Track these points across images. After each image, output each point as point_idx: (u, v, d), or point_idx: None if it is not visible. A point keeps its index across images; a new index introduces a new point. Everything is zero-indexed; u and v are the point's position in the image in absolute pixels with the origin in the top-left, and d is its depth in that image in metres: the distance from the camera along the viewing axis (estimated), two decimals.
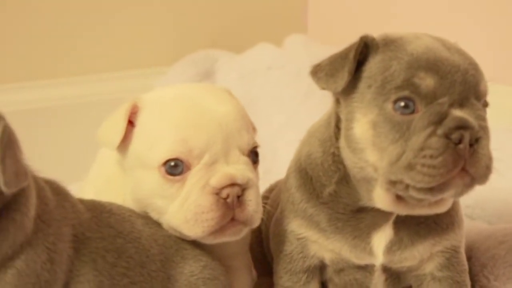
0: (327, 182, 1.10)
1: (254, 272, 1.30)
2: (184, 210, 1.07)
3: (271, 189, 1.35)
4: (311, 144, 1.14)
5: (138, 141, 1.11)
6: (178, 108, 1.10)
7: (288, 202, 1.14)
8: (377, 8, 2.39)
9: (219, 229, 1.07)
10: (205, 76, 2.13)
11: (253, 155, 1.13)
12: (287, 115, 2.02)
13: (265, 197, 1.26)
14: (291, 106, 2.03)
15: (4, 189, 0.87)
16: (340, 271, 1.14)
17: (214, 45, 2.28)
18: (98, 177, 1.23)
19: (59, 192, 1.04)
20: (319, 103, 2.05)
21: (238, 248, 1.20)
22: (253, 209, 1.09)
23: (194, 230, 1.07)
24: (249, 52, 2.15)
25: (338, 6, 2.50)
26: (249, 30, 2.43)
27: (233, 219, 1.07)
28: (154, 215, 1.12)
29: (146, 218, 1.13)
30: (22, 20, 2.05)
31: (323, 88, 1.07)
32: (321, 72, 1.07)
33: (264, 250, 1.30)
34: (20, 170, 0.90)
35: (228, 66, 2.13)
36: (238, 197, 1.07)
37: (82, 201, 1.08)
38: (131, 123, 1.12)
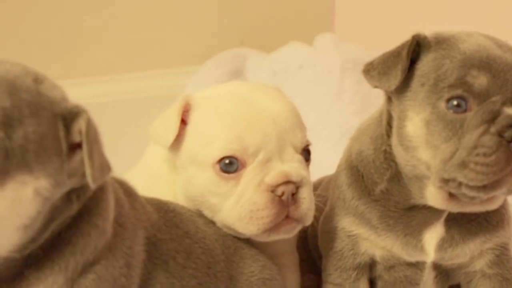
0: (378, 179, 1.11)
1: None
2: (239, 207, 1.07)
3: (315, 187, 1.35)
4: (362, 142, 1.14)
5: (191, 139, 1.11)
6: (231, 105, 1.10)
7: (339, 200, 1.15)
8: (403, 7, 2.40)
9: (274, 227, 1.07)
10: (235, 74, 2.13)
11: (306, 153, 1.14)
12: (319, 114, 2.02)
13: (318, 195, 1.26)
14: (323, 104, 2.04)
15: (91, 184, 0.85)
16: (390, 268, 1.14)
17: (243, 44, 2.29)
18: (146, 175, 1.22)
19: (130, 193, 1.02)
20: (350, 101, 2.06)
21: (286, 247, 1.21)
22: (307, 207, 1.09)
23: (249, 227, 1.07)
24: (280, 50, 2.15)
25: (364, 5, 2.51)
26: (276, 29, 2.44)
27: (287, 217, 1.08)
28: (207, 213, 1.12)
29: (204, 217, 1.13)
30: (58, 20, 2.07)
31: (376, 87, 1.07)
32: (374, 71, 1.07)
33: (308, 247, 1.31)
34: (104, 163, 0.88)
35: (258, 65, 2.13)
36: (293, 194, 1.07)
37: (148, 200, 1.07)
38: (183, 121, 1.12)
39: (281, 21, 2.46)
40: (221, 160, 1.08)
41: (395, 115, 1.07)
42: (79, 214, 0.90)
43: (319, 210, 1.20)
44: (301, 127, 1.14)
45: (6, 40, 2.01)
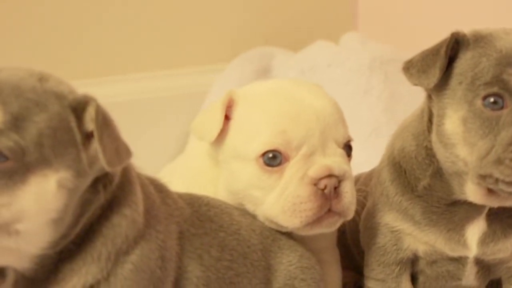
0: (421, 175, 1.12)
1: None
2: (282, 200, 1.08)
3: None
4: (404, 138, 1.16)
5: (235, 134, 1.13)
6: (275, 101, 1.12)
7: (382, 195, 1.16)
8: (427, 5, 2.40)
9: (316, 220, 1.08)
10: (262, 73, 2.14)
11: (347, 149, 1.15)
12: (347, 112, 2.02)
13: (358, 190, 1.28)
14: (351, 102, 2.04)
15: (107, 168, 0.87)
16: (432, 263, 1.16)
17: (267, 43, 2.30)
18: (187, 170, 1.24)
19: (161, 189, 1.04)
20: (378, 99, 2.06)
21: (327, 242, 1.22)
22: (349, 200, 1.10)
23: (292, 220, 1.08)
24: (308, 49, 2.16)
25: (388, 4, 2.51)
26: (300, 28, 2.45)
27: (329, 210, 1.09)
28: (250, 207, 1.13)
29: (240, 209, 1.14)
30: (82, 18, 2.09)
31: (415, 84, 1.09)
32: (413, 69, 1.08)
33: (347, 243, 1.32)
34: (120, 147, 0.89)
35: (286, 64, 2.14)
36: (335, 188, 1.08)
37: (180, 195, 1.08)
38: (226, 116, 1.14)
39: (304, 20, 2.47)
40: (264, 154, 1.09)
41: (435, 112, 1.09)
42: (109, 205, 0.92)
43: (359, 204, 1.22)
44: (343, 123, 1.16)
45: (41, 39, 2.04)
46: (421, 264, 1.17)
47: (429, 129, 1.11)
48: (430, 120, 1.11)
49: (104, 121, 0.87)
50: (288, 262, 1.12)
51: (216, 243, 1.05)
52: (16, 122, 0.83)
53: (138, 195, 0.96)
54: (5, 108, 0.83)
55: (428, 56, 1.08)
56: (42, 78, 0.88)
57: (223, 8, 2.27)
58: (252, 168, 1.10)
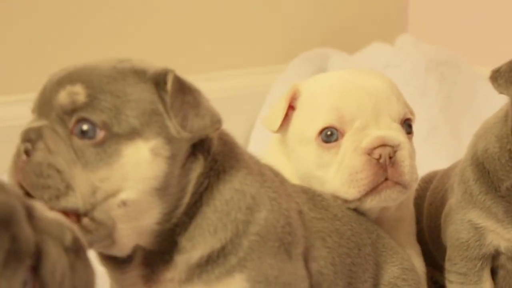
0: (504, 176, 1.15)
1: None
2: (340, 173, 1.12)
3: (425, 181, 1.40)
4: (488, 140, 1.19)
5: (298, 121, 1.18)
6: (330, 84, 1.18)
7: (465, 194, 1.20)
8: (476, 7, 2.43)
9: (375, 190, 1.11)
10: (319, 74, 2.19)
11: (406, 126, 1.18)
12: None
13: (436, 188, 1.31)
14: (409, 103, 2.09)
15: (175, 134, 0.88)
16: None
17: (324, 44, 2.35)
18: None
19: (277, 173, 1.05)
20: (434, 100, 2.10)
21: (409, 238, 1.25)
22: (407, 170, 1.12)
23: (350, 191, 1.11)
24: (365, 51, 2.20)
25: (438, 6, 2.55)
26: (353, 29, 2.49)
27: (387, 179, 1.11)
28: (317, 187, 1.15)
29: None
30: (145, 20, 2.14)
31: (501, 93, 1.13)
32: (501, 79, 1.11)
33: (424, 240, 1.36)
34: (202, 113, 0.89)
35: (342, 64, 2.18)
36: (390, 158, 1.11)
37: (293, 184, 1.09)
38: (292, 107, 1.19)
39: (357, 22, 2.50)
40: (322, 131, 1.14)
41: None
42: (217, 177, 0.92)
43: (435, 201, 1.26)
44: (398, 100, 1.18)
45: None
46: (502, 259, 1.20)
47: None
48: None
49: (180, 89, 0.89)
50: (391, 262, 1.14)
51: (334, 230, 1.06)
52: (99, 96, 0.86)
53: (247, 168, 0.95)
54: (86, 85, 0.87)
55: None
56: (122, 60, 0.92)
57: (282, 10, 2.32)
58: (313, 148, 1.15)
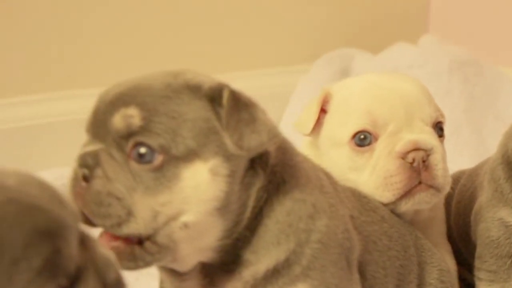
0: None
1: None
2: (374, 177, 1.14)
3: (454, 179, 1.40)
4: None
5: (330, 124, 1.20)
6: (362, 88, 1.19)
7: (496, 192, 1.21)
8: (498, 7, 2.44)
9: (409, 193, 1.12)
10: (343, 74, 2.19)
11: (438, 129, 1.19)
12: None
13: (463, 186, 1.31)
14: None
15: (234, 151, 0.85)
16: None
17: (347, 44, 2.36)
18: None
19: (329, 175, 1.04)
20: (458, 100, 2.11)
21: (439, 237, 1.26)
22: (440, 173, 1.13)
23: (385, 194, 1.13)
24: (389, 51, 2.21)
25: (460, 5, 2.55)
26: (374, 29, 2.50)
27: (420, 183, 1.12)
28: None
29: None
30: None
31: None
32: None
33: (452, 238, 1.37)
34: (258, 129, 0.87)
35: (366, 65, 2.19)
36: (424, 161, 1.12)
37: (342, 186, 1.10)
38: (323, 110, 1.21)
39: (380, 23, 2.52)
40: (355, 135, 1.15)
41: None
42: (276, 189, 0.90)
43: (463, 199, 1.27)
44: (430, 103, 1.19)
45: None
46: None
47: None
48: None
49: (235, 106, 0.86)
50: (431, 262, 1.15)
51: (383, 232, 1.07)
52: (154, 118, 0.84)
53: (306, 176, 0.94)
54: (141, 108, 0.84)
55: None
56: (177, 74, 0.89)
57: (306, 10, 2.33)
58: (346, 151, 1.17)
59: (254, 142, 0.86)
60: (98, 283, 0.66)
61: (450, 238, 1.34)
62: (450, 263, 1.25)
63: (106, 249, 0.70)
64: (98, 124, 0.87)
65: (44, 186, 0.67)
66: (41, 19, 1.93)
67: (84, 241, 0.67)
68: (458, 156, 1.99)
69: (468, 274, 1.32)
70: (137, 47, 2.08)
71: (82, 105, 1.82)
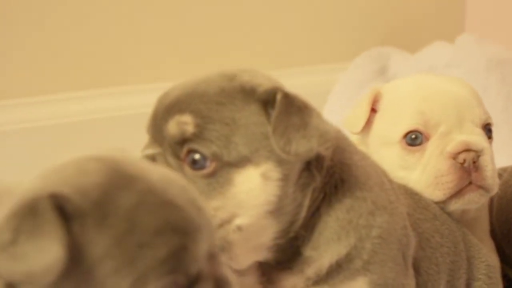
0: None
1: None
2: (425, 176, 1.16)
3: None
4: None
5: (381, 123, 1.22)
6: (414, 88, 1.22)
7: None
8: None
9: (459, 192, 1.15)
10: (380, 72, 2.20)
11: (487, 131, 1.22)
12: None
13: (506, 181, 1.32)
14: None
15: (283, 156, 0.85)
16: None
17: (384, 43, 2.37)
18: None
19: (385, 173, 1.05)
20: (495, 99, 2.12)
21: (483, 234, 1.29)
22: (490, 174, 1.16)
23: (435, 193, 1.15)
24: (426, 49, 2.21)
25: (496, 4, 2.55)
26: (411, 28, 2.51)
27: (470, 183, 1.15)
28: None
29: None
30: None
31: None
32: None
33: (495, 236, 1.39)
34: (309, 134, 0.87)
35: (404, 64, 2.20)
36: (474, 162, 1.15)
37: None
38: (373, 110, 1.24)
39: (416, 21, 2.53)
40: (406, 135, 1.18)
41: None
42: (335, 188, 0.92)
43: (506, 195, 1.28)
44: (480, 105, 1.22)
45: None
46: None
47: None
48: None
49: (286, 110, 0.87)
50: (478, 257, 1.16)
51: (435, 230, 1.09)
52: (208, 126, 0.86)
53: (365, 174, 0.96)
54: (195, 115, 0.86)
55: None
56: (233, 77, 0.89)
57: (344, 9, 2.35)
58: (397, 150, 1.19)
59: (303, 147, 0.86)
60: None
61: (492, 234, 1.35)
62: (494, 260, 1.27)
63: (229, 272, 0.71)
64: (156, 129, 0.90)
65: (185, 189, 0.70)
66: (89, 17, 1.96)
67: (213, 256, 0.69)
68: (496, 155, 2.00)
69: (510, 271, 1.32)
70: (188, 46, 2.11)
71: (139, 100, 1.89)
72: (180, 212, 0.66)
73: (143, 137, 0.94)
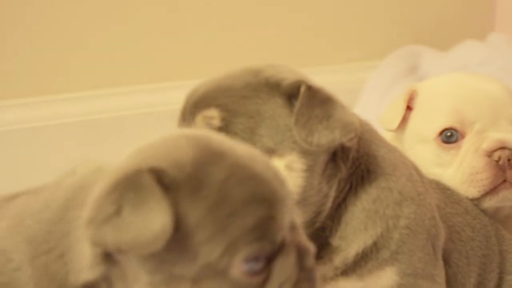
0: None
1: None
2: (460, 173, 1.18)
3: None
4: None
5: (416, 120, 1.24)
6: (450, 87, 1.24)
7: None
8: None
9: (493, 190, 1.17)
10: (411, 71, 2.21)
11: None
12: None
13: None
14: None
15: (305, 146, 0.88)
16: None
17: (416, 41, 2.38)
18: None
19: (416, 168, 1.07)
20: None
21: None
22: None
23: (470, 190, 1.17)
24: (457, 48, 2.22)
25: None
26: (442, 26, 2.51)
27: (505, 181, 1.17)
28: None
29: None
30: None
31: None
32: None
33: None
34: (333, 125, 0.89)
35: (435, 62, 2.20)
36: (509, 160, 1.16)
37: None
38: (409, 107, 1.26)
39: (447, 20, 2.53)
40: (442, 132, 1.20)
41: None
42: (361, 179, 0.94)
43: None
44: None
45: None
46: None
47: None
48: None
49: (309, 102, 0.89)
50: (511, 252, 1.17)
51: (466, 224, 1.10)
52: (233, 119, 0.88)
53: (392, 165, 0.97)
54: (221, 109, 0.89)
55: None
56: (259, 72, 0.92)
57: (376, 8, 2.36)
58: (432, 147, 1.21)
59: (325, 138, 0.88)
60: (296, 263, 0.71)
61: None
62: None
63: (309, 242, 0.75)
64: (186, 123, 0.93)
65: (269, 166, 0.73)
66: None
67: (294, 227, 0.73)
68: None
69: None
70: (216, 44, 2.11)
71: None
72: (266, 185, 0.70)
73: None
